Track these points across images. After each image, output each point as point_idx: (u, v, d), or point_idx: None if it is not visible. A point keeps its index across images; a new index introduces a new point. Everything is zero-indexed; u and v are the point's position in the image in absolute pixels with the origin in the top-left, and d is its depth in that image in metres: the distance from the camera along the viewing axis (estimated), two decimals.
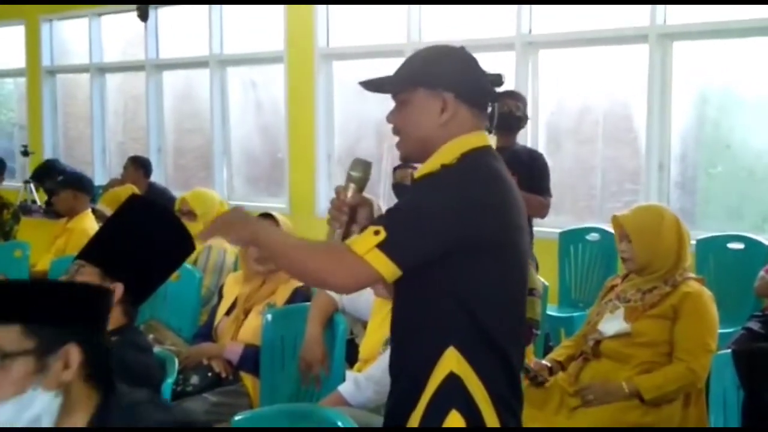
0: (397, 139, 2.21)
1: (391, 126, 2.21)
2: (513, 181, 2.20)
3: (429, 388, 2.07)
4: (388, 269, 1.99)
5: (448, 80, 2.15)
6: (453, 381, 2.06)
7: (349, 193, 2.19)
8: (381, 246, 1.97)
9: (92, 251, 2.53)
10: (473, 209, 2.04)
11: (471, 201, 2.04)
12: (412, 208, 2.07)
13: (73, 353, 1.67)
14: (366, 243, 1.99)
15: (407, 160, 2.27)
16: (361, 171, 2.20)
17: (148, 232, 2.47)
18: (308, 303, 3.47)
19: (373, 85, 2.24)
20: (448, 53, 2.22)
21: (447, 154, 2.13)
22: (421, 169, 2.17)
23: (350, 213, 2.20)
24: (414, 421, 2.09)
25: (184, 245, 2.60)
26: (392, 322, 2.22)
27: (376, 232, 1.99)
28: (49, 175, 7.94)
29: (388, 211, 2.12)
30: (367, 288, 2.47)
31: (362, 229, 2.11)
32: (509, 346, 2.14)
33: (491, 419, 2.07)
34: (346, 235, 2.19)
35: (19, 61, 10.15)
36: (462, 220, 2.02)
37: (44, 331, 1.65)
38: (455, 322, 2.07)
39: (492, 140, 4.47)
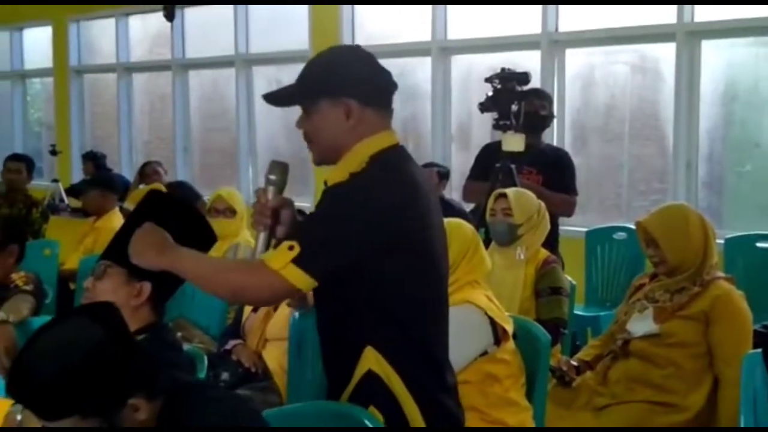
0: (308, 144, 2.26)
1: (302, 132, 2.26)
2: (424, 177, 2.27)
3: (349, 387, 2.21)
4: (304, 282, 2.07)
5: (349, 87, 2.19)
6: (371, 379, 2.18)
7: (270, 196, 2.25)
8: (296, 261, 2.05)
9: (117, 251, 2.53)
10: (382, 215, 2.11)
11: (380, 207, 2.11)
12: (324, 220, 2.15)
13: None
14: (281, 258, 2.06)
15: (321, 164, 2.30)
16: (279, 173, 2.26)
17: (168, 227, 2.47)
18: None
19: (276, 98, 2.29)
20: (346, 57, 2.28)
21: (354, 159, 2.18)
22: (331, 175, 2.22)
23: (273, 215, 2.25)
24: None
25: (206, 238, 2.61)
26: (317, 324, 2.32)
27: (291, 247, 2.06)
28: (95, 160, 8.10)
29: (301, 224, 2.24)
30: None
31: (285, 235, 2.20)
32: (430, 340, 2.25)
33: (413, 414, 2.18)
34: (271, 237, 2.26)
35: (47, 61, 10.24)
36: (372, 227, 2.10)
37: None
38: (371, 323, 2.18)
39: (520, 139, 4.52)
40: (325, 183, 2.26)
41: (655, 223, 3.42)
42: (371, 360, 2.18)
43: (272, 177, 2.26)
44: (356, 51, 2.30)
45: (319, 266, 2.07)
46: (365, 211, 2.10)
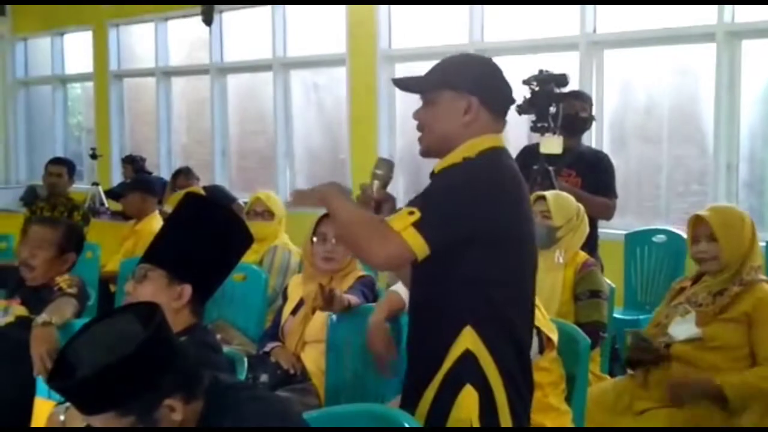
0: (419, 134, 2.39)
1: (416, 123, 2.40)
2: (522, 177, 2.41)
3: (446, 364, 2.26)
4: (420, 247, 2.16)
5: (474, 85, 2.33)
6: (468, 358, 2.24)
7: (375, 189, 2.45)
8: (415, 225, 2.16)
9: (156, 254, 2.55)
10: (495, 196, 2.24)
11: (492, 189, 2.25)
12: (443, 192, 2.26)
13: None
14: (402, 221, 2.18)
15: (427, 155, 2.41)
16: (385, 169, 2.47)
17: (207, 229, 2.49)
18: (373, 304, 3.48)
19: (405, 84, 2.46)
20: (477, 61, 2.48)
21: (467, 150, 2.31)
22: (442, 163, 2.35)
23: (375, 207, 2.43)
24: (429, 394, 2.28)
25: (243, 237, 2.63)
26: (411, 303, 2.42)
27: (411, 213, 2.18)
28: (134, 164, 8.22)
29: (420, 195, 2.30)
30: None
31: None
32: (520, 328, 2.33)
33: (500, 395, 2.25)
34: None
35: (87, 65, 10.36)
36: (485, 205, 2.22)
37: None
38: (473, 304, 2.25)
39: (558, 141, 4.49)
40: (432, 173, 2.37)
41: (716, 218, 3.43)
42: (469, 340, 2.24)
43: (378, 172, 2.46)
44: (488, 60, 2.46)
45: (436, 233, 2.17)
46: (480, 190, 2.23)
